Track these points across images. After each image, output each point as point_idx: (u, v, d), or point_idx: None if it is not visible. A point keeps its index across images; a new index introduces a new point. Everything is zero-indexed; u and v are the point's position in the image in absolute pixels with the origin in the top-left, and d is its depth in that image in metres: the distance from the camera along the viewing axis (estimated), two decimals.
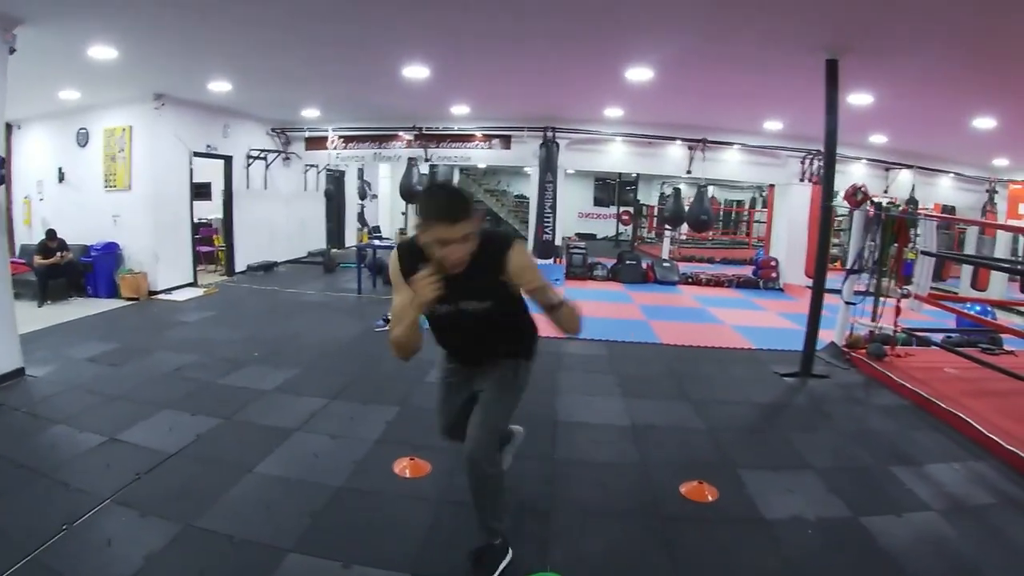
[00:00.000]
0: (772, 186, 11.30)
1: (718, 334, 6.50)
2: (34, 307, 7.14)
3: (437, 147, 10.57)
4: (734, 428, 4.02)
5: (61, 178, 8.64)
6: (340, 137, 11.03)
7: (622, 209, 18.27)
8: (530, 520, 2.87)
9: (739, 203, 20.93)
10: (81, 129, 8.36)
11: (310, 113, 10.05)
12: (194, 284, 8.78)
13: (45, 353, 5.32)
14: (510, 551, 2.44)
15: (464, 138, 10.38)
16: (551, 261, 10.47)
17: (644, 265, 9.98)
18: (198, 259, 9.28)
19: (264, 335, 6.16)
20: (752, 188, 18.65)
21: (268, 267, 10.68)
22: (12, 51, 4.69)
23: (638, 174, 16.58)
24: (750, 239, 17.85)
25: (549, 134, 9.78)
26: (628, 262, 9.88)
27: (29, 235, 8.70)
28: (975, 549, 2.71)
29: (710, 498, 3.06)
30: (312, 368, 5.13)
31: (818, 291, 5.11)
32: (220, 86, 7.26)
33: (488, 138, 10.33)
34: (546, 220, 10.00)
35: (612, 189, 18.84)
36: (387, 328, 6.24)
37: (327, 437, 3.72)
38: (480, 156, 10.75)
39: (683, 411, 4.29)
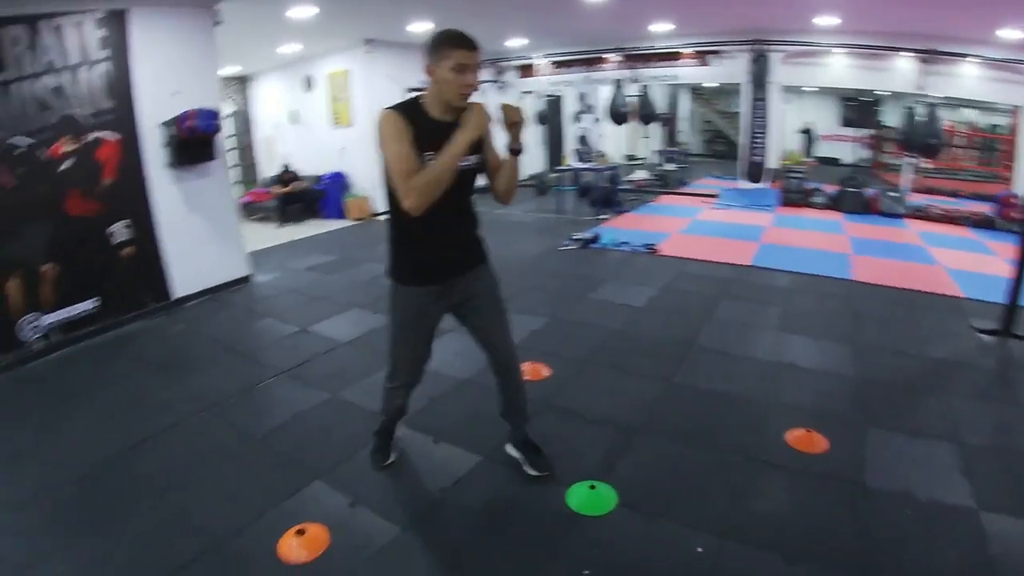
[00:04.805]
0: (1016, 108, 8.79)
1: (925, 276, 5.44)
2: (274, 228, 8.80)
3: (644, 67, 10.15)
4: (889, 382, 3.42)
5: (294, 119, 10.18)
6: (551, 63, 11.17)
7: (866, 132, 15.44)
8: (613, 432, 2.95)
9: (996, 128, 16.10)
10: (307, 76, 9.64)
11: (516, 43, 10.28)
12: None
13: (274, 263, 6.62)
14: None
15: (670, 56, 9.75)
16: (762, 184, 9.60)
17: (868, 194, 8.58)
18: None
19: None
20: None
21: (482, 190, 11.43)
22: (217, 23, 5.47)
23: (875, 93, 13.84)
24: (1008, 171, 13.72)
25: (759, 47, 8.72)
26: (850, 189, 8.59)
27: (271, 168, 10.46)
28: None
29: (814, 450, 2.74)
30: None
31: None
32: (420, 27, 7.78)
33: (698, 55, 9.55)
34: (756, 140, 9.12)
35: (864, 109, 15.96)
36: (571, 246, 6.55)
37: (474, 342, 4.09)
38: (688, 74, 10.03)
39: (839, 355, 3.79)
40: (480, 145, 2.14)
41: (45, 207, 4.27)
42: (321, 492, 2.57)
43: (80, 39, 4.39)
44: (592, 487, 2.48)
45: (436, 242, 2.20)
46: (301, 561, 2.15)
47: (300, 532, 2.24)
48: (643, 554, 2.15)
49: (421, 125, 2.00)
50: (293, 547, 2.19)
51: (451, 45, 1.96)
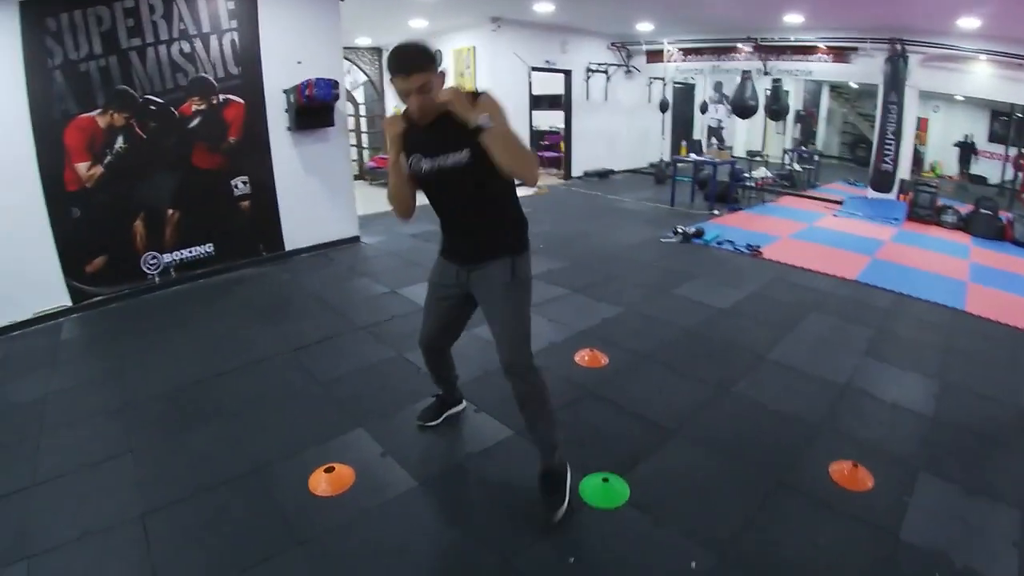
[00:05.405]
0: None
1: None
2: None
3: (776, 59, 9.59)
4: (965, 427, 3.06)
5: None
6: (679, 50, 10.83)
7: (1017, 151, 13.37)
8: (648, 430, 2.92)
9: None
10: (436, 50, 9.85)
11: (644, 27, 10.06)
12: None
13: (383, 227, 7.08)
14: (568, 468, 2.44)
15: (804, 50, 9.13)
16: (892, 196, 8.84)
17: (1004, 219, 7.63)
18: (542, 163, 10.42)
19: (558, 231, 6.87)
20: None
21: (603, 174, 11.38)
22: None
23: None
24: None
25: (898, 47, 7.88)
26: (983, 212, 7.66)
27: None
28: None
29: (855, 487, 2.55)
30: (577, 264, 5.71)
31: None
32: (544, 7, 7.86)
33: (832, 51, 8.88)
34: (887, 147, 8.36)
35: (1016, 125, 13.82)
36: (673, 238, 6.45)
37: (545, 320, 4.21)
38: (823, 70, 9.38)
39: (921, 390, 3.45)
40: (468, 139, 2.01)
41: (174, 158, 4.89)
42: (360, 439, 2.83)
43: (211, 10, 4.90)
44: (605, 480, 2.49)
45: (450, 231, 2.35)
46: (325, 495, 2.41)
47: (329, 470, 2.51)
48: (634, 556, 2.15)
49: (410, 128, 2.10)
50: (321, 482, 2.46)
51: (391, 70, 1.99)
